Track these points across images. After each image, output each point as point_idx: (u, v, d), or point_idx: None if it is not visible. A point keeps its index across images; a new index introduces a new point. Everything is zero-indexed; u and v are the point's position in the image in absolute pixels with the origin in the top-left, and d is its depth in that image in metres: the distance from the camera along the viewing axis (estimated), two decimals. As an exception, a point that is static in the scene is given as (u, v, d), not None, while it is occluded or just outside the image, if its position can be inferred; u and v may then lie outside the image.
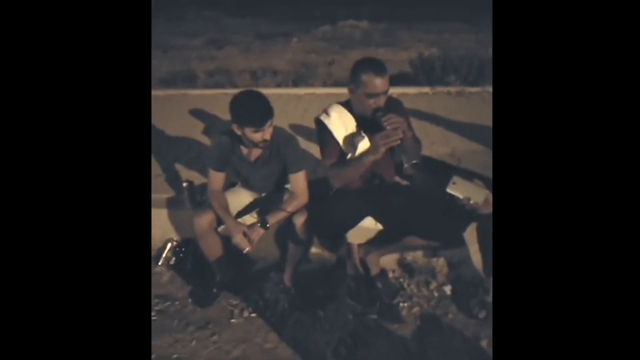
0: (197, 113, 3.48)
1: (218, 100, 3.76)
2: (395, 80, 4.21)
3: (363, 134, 1.64)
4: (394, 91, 3.58)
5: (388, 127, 1.47)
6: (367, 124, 1.67)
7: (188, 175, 2.47)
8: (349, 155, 1.64)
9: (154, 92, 3.59)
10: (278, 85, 4.21)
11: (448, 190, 1.51)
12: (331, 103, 1.73)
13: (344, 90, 3.83)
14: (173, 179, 2.46)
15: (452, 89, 3.53)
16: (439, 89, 3.57)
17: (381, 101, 1.54)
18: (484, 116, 2.93)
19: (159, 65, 5.39)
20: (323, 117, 1.66)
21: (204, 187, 2.23)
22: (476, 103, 3.32)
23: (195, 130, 3.11)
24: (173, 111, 3.52)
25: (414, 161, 1.49)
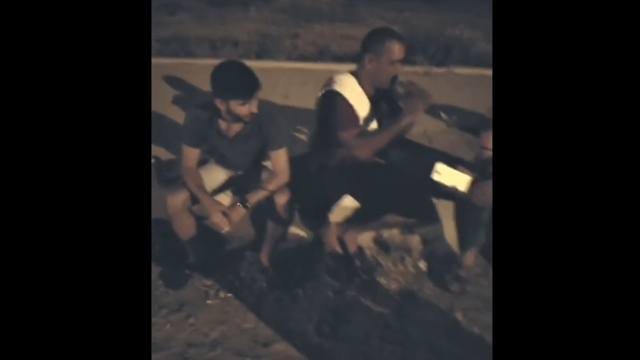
0: (157, 84, 3.24)
1: (178, 70, 3.53)
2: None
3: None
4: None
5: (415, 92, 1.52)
6: (379, 94, 1.67)
7: (152, 151, 2.30)
8: (371, 125, 1.61)
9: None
10: (240, 57, 4.01)
11: (433, 178, 1.53)
12: (334, 73, 1.67)
13: (312, 65, 3.77)
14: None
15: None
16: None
17: (399, 68, 1.57)
18: (452, 97, 3.00)
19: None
20: (337, 87, 1.59)
21: (171, 164, 2.10)
22: (442, 83, 3.38)
23: (155, 101, 2.90)
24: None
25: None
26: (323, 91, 1.61)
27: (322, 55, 4.35)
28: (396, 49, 1.54)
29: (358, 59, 1.63)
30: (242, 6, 7.00)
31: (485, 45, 4.50)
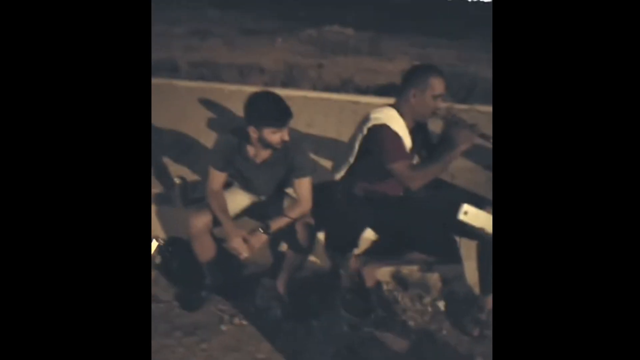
0: (186, 105, 3.34)
1: (205, 93, 3.64)
2: (386, 91, 4.28)
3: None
4: (385, 102, 3.61)
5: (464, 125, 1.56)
6: (417, 127, 1.71)
7: (176, 170, 2.35)
8: (415, 158, 1.66)
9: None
10: (266, 85, 4.12)
11: (460, 218, 1.52)
12: (375, 107, 1.71)
13: (335, 96, 3.84)
14: (160, 174, 2.34)
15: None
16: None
17: (440, 103, 1.63)
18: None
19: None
20: (386, 120, 1.62)
21: (195, 185, 2.14)
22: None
23: (183, 123, 2.98)
24: (158, 100, 3.36)
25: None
26: (369, 124, 1.62)
27: (345, 86, 4.44)
28: (439, 84, 1.59)
29: (399, 92, 1.67)
30: (269, 36, 7.26)
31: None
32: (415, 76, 1.63)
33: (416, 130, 1.70)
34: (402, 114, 1.65)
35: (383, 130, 1.60)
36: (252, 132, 1.56)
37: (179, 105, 3.32)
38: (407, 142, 1.66)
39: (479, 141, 1.58)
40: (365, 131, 1.63)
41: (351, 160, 1.71)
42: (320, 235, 1.91)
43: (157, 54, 5.25)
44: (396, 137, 1.61)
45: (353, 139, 1.72)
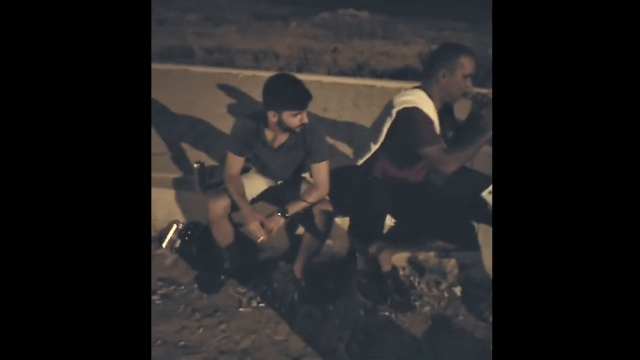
0: (201, 91, 3.35)
1: (220, 79, 3.64)
2: (402, 75, 4.21)
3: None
4: (400, 85, 3.56)
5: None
6: (445, 111, 1.67)
7: (193, 155, 2.38)
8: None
9: (153, 66, 3.44)
10: (281, 70, 4.10)
11: (483, 196, 1.50)
12: (402, 90, 1.67)
13: (351, 80, 3.80)
14: (179, 158, 2.37)
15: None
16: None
17: (470, 83, 1.58)
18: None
19: (154, 38, 5.17)
20: (416, 102, 1.58)
21: (213, 169, 2.16)
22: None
23: (200, 109, 3.00)
24: (174, 86, 3.38)
25: None
26: (400, 108, 1.58)
27: (360, 70, 4.39)
28: (469, 64, 1.55)
29: (426, 74, 1.62)
30: (283, 21, 7.19)
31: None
32: (444, 56, 1.57)
33: (443, 112, 1.66)
34: (430, 96, 1.60)
35: (415, 113, 1.55)
36: (272, 116, 1.56)
37: (194, 91, 3.33)
38: (437, 124, 1.63)
39: None
40: (394, 115, 1.59)
41: (376, 145, 1.67)
42: (339, 221, 1.92)
43: (171, 40, 5.28)
44: (428, 120, 1.57)
45: (379, 123, 1.68)
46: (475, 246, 1.71)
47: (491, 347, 1.59)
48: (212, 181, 2.03)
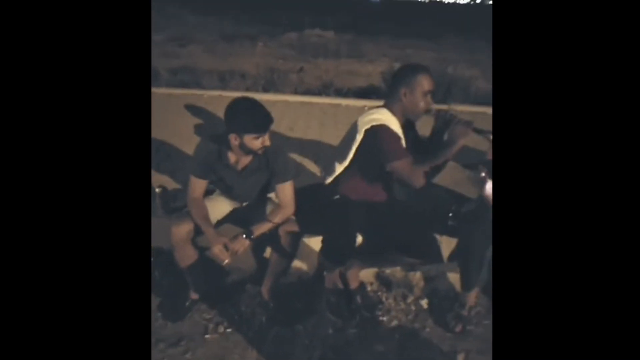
0: (164, 112, 3.30)
1: (185, 100, 3.61)
2: (366, 93, 4.31)
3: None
4: (365, 104, 3.64)
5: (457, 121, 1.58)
6: (408, 127, 1.73)
7: (156, 179, 2.33)
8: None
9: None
10: (247, 89, 4.12)
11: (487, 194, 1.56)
12: (366, 108, 1.75)
13: (317, 99, 3.85)
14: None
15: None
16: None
17: (430, 100, 1.65)
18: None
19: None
20: (383, 120, 1.63)
21: (176, 193, 2.12)
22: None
23: (163, 131, 2.95)
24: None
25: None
26: (368, 126, 1.63)
27: (326, 89, 4.47)
28: (427, 82, 1.63)
29: (389, 93, 1.70)
30: (250, 41, 7.26)
31: (484, 83, 4.62)
32: (404, 75, 1.66)
33: (406, 128, 1.73)
34: (394, 114, 1.67)
35: (382, 130, 1.61)
36: (233, 139, 1.57)
37: (158, 113, 3.28)
38: (403, 141, 1.69)
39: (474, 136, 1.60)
40: (362, 133, 1.64)
41: (344, 163, 1.71)
42: (306, 240, 1.92)
43: (136, 61, 5.20)
44: (396, 136, 1.63)
45: (346, 142, 1.71)
46: (439, 259, 1.75)
47: (457, 358, 1.63)
48: (175, 205, 2.00)
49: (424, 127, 1.83)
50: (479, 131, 1.60)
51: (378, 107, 1.72)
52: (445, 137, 1.61)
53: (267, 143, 1.58)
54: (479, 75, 4.87)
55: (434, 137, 1.74)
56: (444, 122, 1.65)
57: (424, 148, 1.79)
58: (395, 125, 1.66)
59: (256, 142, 1.55)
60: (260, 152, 1.60)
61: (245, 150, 1.60)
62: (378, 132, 1.62)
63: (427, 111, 1.67)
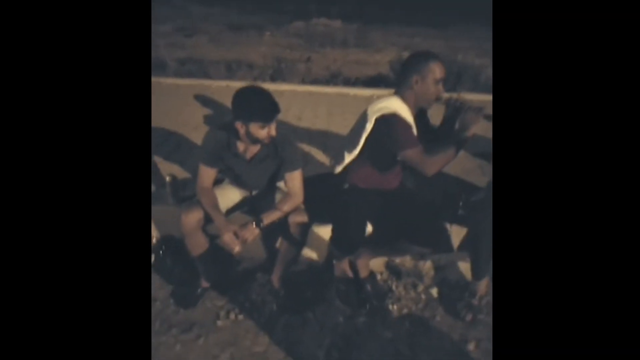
0: (174, 103, 3.32)
1: (193, 90, 3.62)
2: (374, 82, 4.28)
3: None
4: (373, 93, 3.62)
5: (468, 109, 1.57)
6: (420, 116, 1.72)
7: (166, 168, 2.35)
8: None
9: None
10: (255, 79, 4.11)
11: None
12: (376, 97, 1.72)
13: (324, 89, 3.84)
14: (152, 172, 2.33)
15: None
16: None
17: (442, 88, 1.63)
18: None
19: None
20: (394, 108, 1.61)
21: (186, 182, 2.13)
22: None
23: (172, 121, 2.96)
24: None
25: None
26: (378, 115, 1.61)
27: (334, 79, 4.44)
28: (439, 69, 1.60)
29: (400, 81, 1.67)
30: (257, 31, 7.21)
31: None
32: (415, 63, 1.63)
33: (418, 117, 1.71)
34: (405, 102, 1.65)
35: (394, 119, 1.59)
36: (240, 127, 1.56)
37: (167, 103, 3.29)
38: (414, 129, 1.67)
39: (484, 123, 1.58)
40: (373, 122, 1.62)
41: (354, 152, 1.69)
42: (315, 229, 1.92)
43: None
44: (407, 124, 1.61)
45: (356, 131, 1.70)
46: (449, 248, 1.75)
47: (468, 346, 1.63)
48: (185, 194, 2.01)
49: (435, 117, 1.81)
50: (489, 117, 1.57)
51: (389, 95, 1.70)
52: (457, 125, 1.59)
53: (273, 133, 1.57)
54: (489, 63, 4.81)
55: (445, 125, 1.72)
56: (454, 109, 1.63)
57: (436, 137, 1.77)
58: (406, 113, 1.64)
59: (262, 132, 1.55)
60: (266, 141, 1.59)
61: (251, 139, 1.59)
62: (389, 120, 1.59)
63: (438, 99, 1.65)
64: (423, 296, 1.88)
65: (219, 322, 1.73)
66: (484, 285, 1.78)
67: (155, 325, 1.70)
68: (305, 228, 1.69)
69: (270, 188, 1.81)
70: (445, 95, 1.67)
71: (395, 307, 1.82)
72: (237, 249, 1.62)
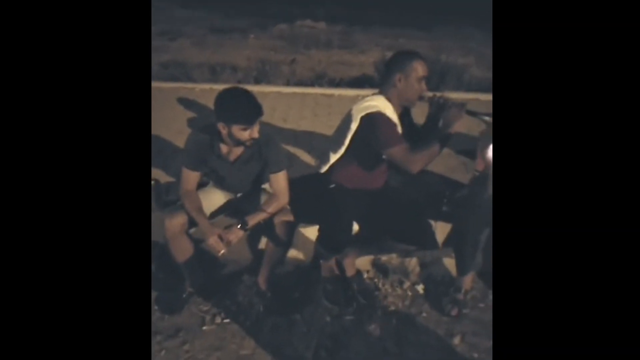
0: (157, 106, 3.27)
1: (176, 93, 3.59)
2: (359, 83, 4.30)
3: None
4: (358, 93, 3.63)
5: (452, 106, 1.58)
6: (404, 114, 1.73)
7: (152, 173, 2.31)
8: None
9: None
10: (239, 82, 4.09)
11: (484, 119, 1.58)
12: (361, 97, 1.72)
13: (309, 90, 3.84)
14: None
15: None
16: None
17: (424, 86, 1.65)
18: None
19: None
20: (378, 107, 1.62)
21: (170, 186, 2.11)
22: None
23: (154, 124, 2.92)
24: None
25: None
26: (363, 113, 1.62)
27: (319, 80, 4.45)
28: (422, 67, 1.62)
29: (384, 80, 1.69)
30: (240, 33, 7.18)
31: (477, 71, 4.62)
32: (398, 62, 1.65)
33: (403, 116, 1.72)
34: (389, 100, 1.66)
35: (378, 117, 1.60)
36: (222, 129, 1.55)
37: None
38: (399, 127, 1.68)
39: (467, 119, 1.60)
40: (358, 120, 1.63)
41: (339, 152, 1.70)
42: (303, 230, 1.92)
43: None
44: (392, 123, 1.63)
45: (341, 130, 1.71)
46: (434, 244, 1.76)
47: (453, 341, 1.64)
48: (168, 198, 1.98)
49: (419, 117, 1.83)
50: (472, 113, 1.59)
51: (374, 94, 1.71)
52: (440, 122, 1.61)
53: (255, 135, 1.56)
54: (472, 63, 4.87)
55: (429, 123, 1.74)
56: (438, 107, 1.65)
57: (420, 135, 1.79)
58: (390, 111, 1.65)
59: (244, 133, 1.54)
60: (248, 143, 1.58)
61: (234, 141, 1.58)
62: (374, 118, 1.61)
63: (421, 97, 1.67)
64: (409, 293, 1.89)
65: (205, 327, 1.71)
66: (469, 280, 1.80)
67: (140, 332, 1.67)
68: (291, 228, 1.68)
69: (255, 190, 1.80)
70: (428, 93, 1.68)
71: (381, 304, 1.82)
72: (222, 251, 1.61)
